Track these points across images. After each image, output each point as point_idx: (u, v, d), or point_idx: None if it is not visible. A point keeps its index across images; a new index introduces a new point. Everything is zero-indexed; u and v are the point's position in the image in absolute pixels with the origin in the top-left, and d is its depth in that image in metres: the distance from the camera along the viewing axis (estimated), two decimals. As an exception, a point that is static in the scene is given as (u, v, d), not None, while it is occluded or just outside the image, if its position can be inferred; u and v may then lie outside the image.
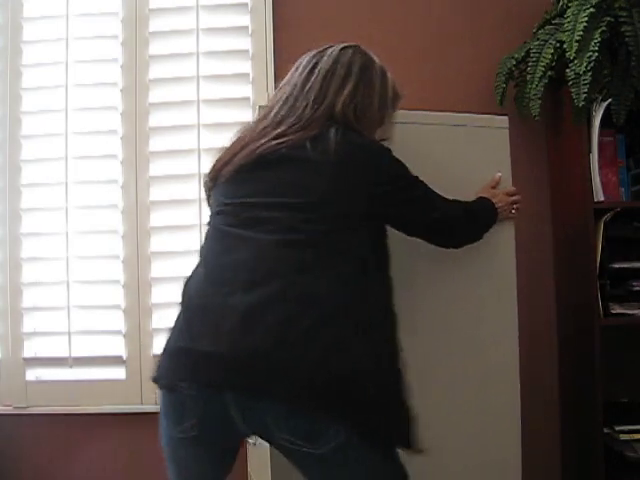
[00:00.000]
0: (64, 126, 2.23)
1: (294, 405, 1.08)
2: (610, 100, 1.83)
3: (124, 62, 2.24)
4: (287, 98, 1.35)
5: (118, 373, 2.19)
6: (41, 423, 2.20)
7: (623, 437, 1.84)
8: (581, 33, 1.72)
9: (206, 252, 1.33)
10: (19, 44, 2.25)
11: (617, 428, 1.86)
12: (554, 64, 1.87)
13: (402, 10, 2.25)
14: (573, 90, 1.77)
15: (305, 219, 1.19)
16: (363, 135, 1.32)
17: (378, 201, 1.28)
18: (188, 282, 1.30)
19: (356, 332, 1.13)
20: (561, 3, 1.95)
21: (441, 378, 1.58)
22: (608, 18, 1.75)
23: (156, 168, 2.23)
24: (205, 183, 1.41)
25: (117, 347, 2.19)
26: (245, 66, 2.23)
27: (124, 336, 2.19)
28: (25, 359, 2.21)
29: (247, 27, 2.24)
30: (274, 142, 1.27)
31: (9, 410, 2.19)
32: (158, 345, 2.18)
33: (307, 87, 1.34)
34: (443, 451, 1.48)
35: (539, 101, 1.89)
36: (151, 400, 2.16)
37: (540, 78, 1.88)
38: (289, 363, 1.08)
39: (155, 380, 1.22)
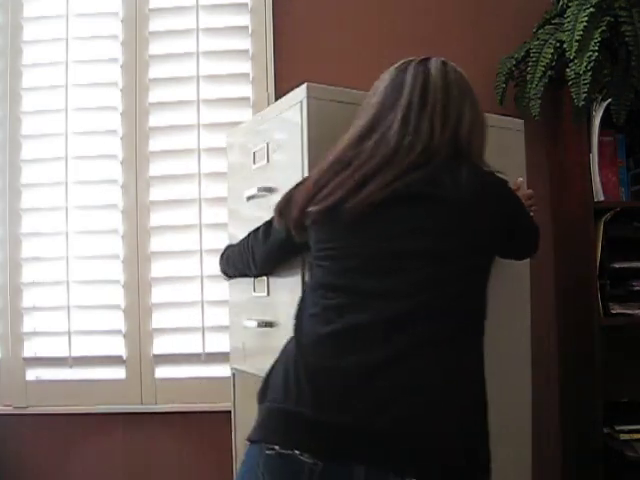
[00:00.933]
0: (64, 126, 2.23)
1: None
2: (610, 100, 1.83)
3: (124, 62, 2.24)
4: (405, 118, 1.18)
5: (118, 373, 2.19)
6: (41, 423, 2.20)
7: (623, 437, 1.85)
8: (581, 33, 1.72)
9: (322, 300, 1.14)
10: (19, 44, 2.25)
11: (617, 428, 1.86)
12: (554, 64, 1.87)
13: (402, 10, 2.25)
14: (573, 90, 1.76)
15: (448, 272, 1.09)
16: (481, 168, 1.21)
17: (505, 239, 1.21)
18: (301, 333, 1.14)
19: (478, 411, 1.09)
20: (561, 3, 1.95)
21: None
22: (608, 18, 1.75)
23: (156, 168, 2.23)
24: (300, 218, 1.19)
25: (117, 347, 2.19)
26: (245, 66, 2.23)
27: (124, 336, 2.19)
28: (25, 359, 2.20)
29: (247, 27, 2.24)
30: (412, 175, 1.12)
31: (9, 410, 2.19)
32: (158, 345, 2.18)
33: (428, 108, 1.19)
34: None
35: (539, 101, 1.89)
36: (151, 400, 2.17)
37: (540, 78, 1.88)
38: (431, 437, 1.00)
39: (257, 441, 1.08)
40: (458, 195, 1.11)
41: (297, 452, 1.01)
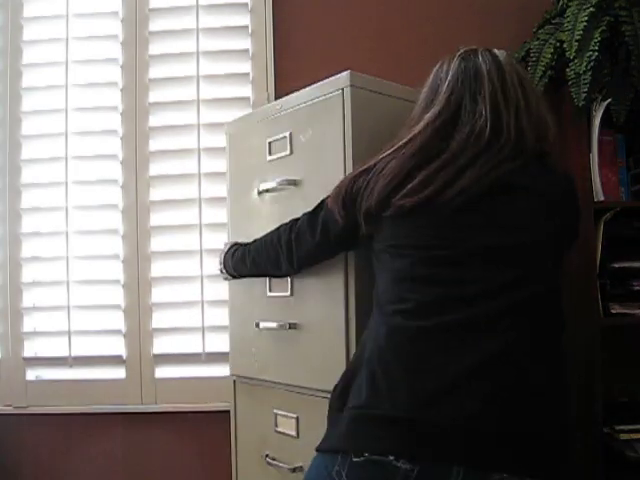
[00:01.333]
0: (64, 126, 2.23)
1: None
2: (610, 100, 1.82)
3: (124, 62, 2.24)
4: (494, 111, 1.15)
5: (118, 373, 2.19)
6: (41, 423, 2.20)
7: (623, 437, 1.84)
8: (581, 33, 1.72)
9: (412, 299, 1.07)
10: (19, 44, 2.25)
11: (617, 428, 1.86)
12: (554, 64, 1.87)
13: (402, 10, 2.25)
14: (573, 90, 1.76)
15: (539, 269, 1.08)
16: (564, 171, 1.22)
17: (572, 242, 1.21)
18: (384, 332, 1.08)
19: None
20: (561, 3, 1.95)
21: None
22: (608, 18, 1.74)
23: (156, 168, 2.23)
24: (379, 208, 1.14)
25: (117, 347, 2.19)
26: (245, 66, 2.23)
27: (124, 336, 2.19)
28: (25, 359, 2.21)
29: (247, 27, 2.24)
30: (507, 165, 1.11)
31: (9, 410, 2.19)
32: (158, 345, 2.18)
33: (512, 102, 1.18)
34: None
35: (539, 101, 1.88)
36: (151, 400, 2.17)
37: (540, 78, 1.88)
38: (532, 437, 1.00)
39: (340, 450, 1.02)
40: (552, 191, 1.12)
41: (392, 458, 0.97)
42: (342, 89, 1.35)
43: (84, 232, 2.23)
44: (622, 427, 1.86)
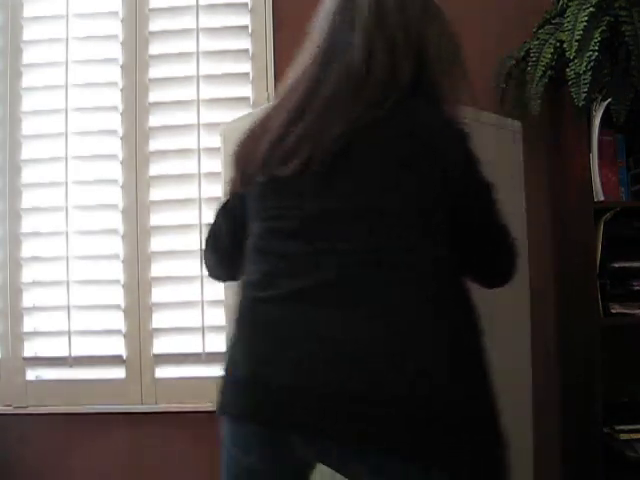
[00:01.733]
0: (64, 126, 2.23)
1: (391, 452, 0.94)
2: (610, 100, 1.82)
3: (124, 62, 2.24)
4: (368, 43, 1.06)
5: (118, 373, 2.19)
6: (41, 423, 2.20)
7: (623, 437, 1.84)
8: (581, 33, 1.72)
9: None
10: (19, 44, 2.25)
11: (617, 428, 1.86)
12: (554, 64, 1.87)
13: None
14: (573, 90, 1.76)
15: (390, 233, 1.01)
16: (447, 113, 1.09)
17: (459, 219, 1.09)
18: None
19: None
20: (561, 3, 1.94)
21: None
22: (608, 18, 1.74)
23: (156, 168, 2.23)
24: (238, 180, 1.14)
25: (117, 347, 2.19)
26: (245, 66, 2.23)
27: (124, 336, 2.19)
28: (25, 359, 2.21)
29: (247, 27, 2.24)
30: (367, 115, 1.02)
31: (9, 410, 2.20)
32: (158, 345, 2.18)
33: (384, 28, 1.07)
34: None
35: (539, 101, 1.88)
36: (151, 400, 2.17)
37: (540, 78, 1.88)
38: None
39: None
40: (417, 143, 1.02)
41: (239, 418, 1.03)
42: None
43: (84, 232, 2.22)
44: (622, 427, 1.86)
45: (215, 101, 2.23)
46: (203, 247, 1.30)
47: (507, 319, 1.67)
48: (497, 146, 1.70)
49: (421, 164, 1.03)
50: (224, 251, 1.25)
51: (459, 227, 1.07)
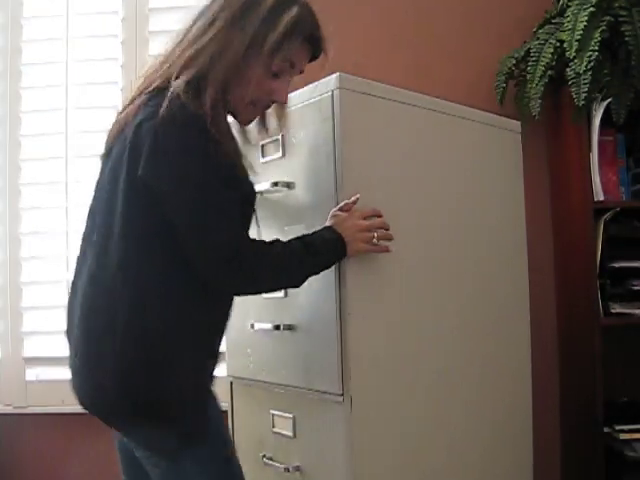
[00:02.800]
0: (64, 125, 2.23)
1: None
2: (610, 99, 1.83)
3: (124, 61, 2.24)
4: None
5: (118, 373, 2.19)
6: (41, 423, 2.20)
7: (623, 437, 1.84)
8: (581, 32, 1.72)
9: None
10: (19, 43, 2.25)
11: (617, 427, 1.86)
12: (554, 63, 1.87)
13: (402, 10, 2.24)
14: (573, 89, 1.77)
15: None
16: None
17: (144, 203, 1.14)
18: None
19: None
20: (561, 2, 1.95)
21: (454, 381, 1.53)
22: (608, 17, 1.75)
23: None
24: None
25: (117, 347, 2.19)
26: (245, 65, 2.23)
27: (124, 336, 2.19)
28: (25, 358, 2.21)
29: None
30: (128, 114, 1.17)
31: (9, 410, 2.19)
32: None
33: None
34: (459, 449, 1.50)
35: (539, 100, 1.89)
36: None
37: (540, 77, 1.88)
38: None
39: None
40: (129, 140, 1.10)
41: None
42: (332, 91, 1.36)
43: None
44: (622, 427, 1.86)
45: (215, 101, 2.22)
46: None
47: (507, 319, 1.68)
48: (497, 146, 1.70)
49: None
50: None
51: None
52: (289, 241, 1.20)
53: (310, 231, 1.26)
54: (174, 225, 1.07)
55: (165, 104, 1.04)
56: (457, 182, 1.57)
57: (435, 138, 1.53)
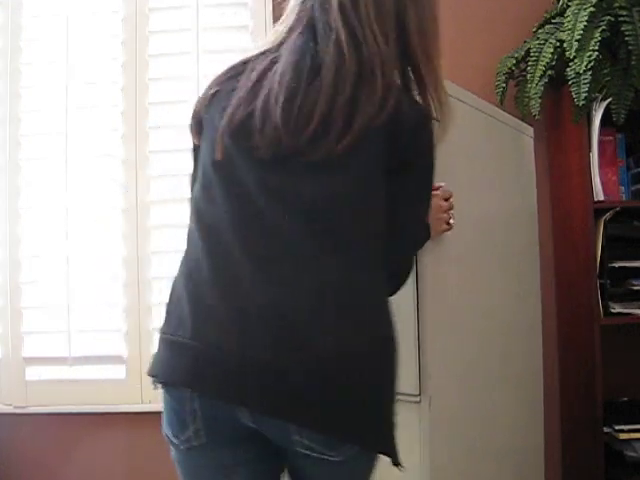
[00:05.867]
0: (64, 125, 2.23)
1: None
2: (610, 99, 1.82)
3: (124, 61, 2.24)
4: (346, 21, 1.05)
5: (118, 372, 2.19)
6: (41, 422, 2.20)
7: (623, 436, 1.84)
8: (581, 32, 1.72)
9: None
10: (19, 43, 2.25)
11: (617, 427, 1.86)
12: (554, 63, 1.87)
13: (402, 9, 2.24)
14: (573, 89, 1.76)
15: None
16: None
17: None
18: None
19: None
20: (561, 2, 1.95)
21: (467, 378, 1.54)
22: (608, 17, 1.74)
23: (156, 167, 2.22)
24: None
25: (117, 346, 2.19)
26: (245, 65, 2.23)
27: (124, 335, 2.19)
28: (25, 358, 2.20)
29: (247, 26, 2.24)
30: None
31: (9, 409, 2.19)
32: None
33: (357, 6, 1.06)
34: (468, 446, 1.51)
35: (539, 100, 1.88)
36: (151, 399, 2.17)
37: (540, 77, 1.88)
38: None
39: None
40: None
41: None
42: None
43: (84, 231, 2.22)
44: (622, 427, 1.86)
45: (215, 100, 2.23)
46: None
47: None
48: (513, 145, 1.71)
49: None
50: None
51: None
52: None
53: None
54: None
55: None
56: (472, 179, 1.57)
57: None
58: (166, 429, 1.07)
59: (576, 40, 1.73)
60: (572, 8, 1.78)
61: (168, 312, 1.11)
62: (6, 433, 2.20)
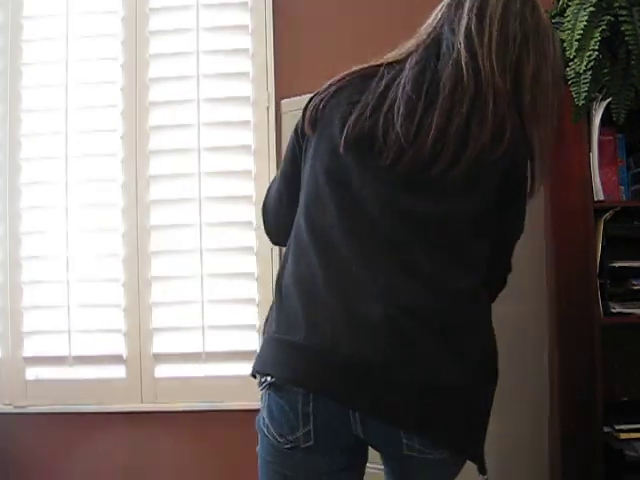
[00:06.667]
0: (64, 125, 2.23)
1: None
2: (610, 99, 1.82)
3: (124, 61, 2.24)
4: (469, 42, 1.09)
5: (118, 372, 2.19)
6: (41, 422, 2.20)
7: (623, 436, 1.84)
8: (581, 32, 1.72)
9: None
10: (19, 43, 2.25)
11: (617, 427, 1.86)
12: (554, 63, 1.87)
13: (402, 10, 2.24)
14: (573, 89, 1.76)
15: None
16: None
17: None
18: None
19: None
20: (561, 2, 1.94)
21: None
22: (608, 17, 1.74)
23: (156, 166, 2.23)
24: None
25: (117, 346, 2.19)
26: (245, 65, 2.23)
27: (124, 335, 2.19)
28: (25, 358, 2.21)
29: (247, 26, 2.24)
30: None
31: (9, 409, 2.20)
32: (158, 344, 2.18)
33: (482, 30, 1.09)
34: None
35: (539, 100, 1.88)
36: (151, 399, 2.17)
37: (540, 77, 1.88)
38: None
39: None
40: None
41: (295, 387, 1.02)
42: None
43: (84, 231, 2.23)
44: (622, 427, 1.86)
45: (215, 100, 2.23)
46: None
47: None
48: None
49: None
50: None
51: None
52: None
53: None
54: None
55: None
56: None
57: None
58: (272, 428, 1.06)
59: (576, 40, 1.73)
60: (572, 8, 1.78)
61: (277, 313, 1.10)
62: (6, 433, 2.20)
